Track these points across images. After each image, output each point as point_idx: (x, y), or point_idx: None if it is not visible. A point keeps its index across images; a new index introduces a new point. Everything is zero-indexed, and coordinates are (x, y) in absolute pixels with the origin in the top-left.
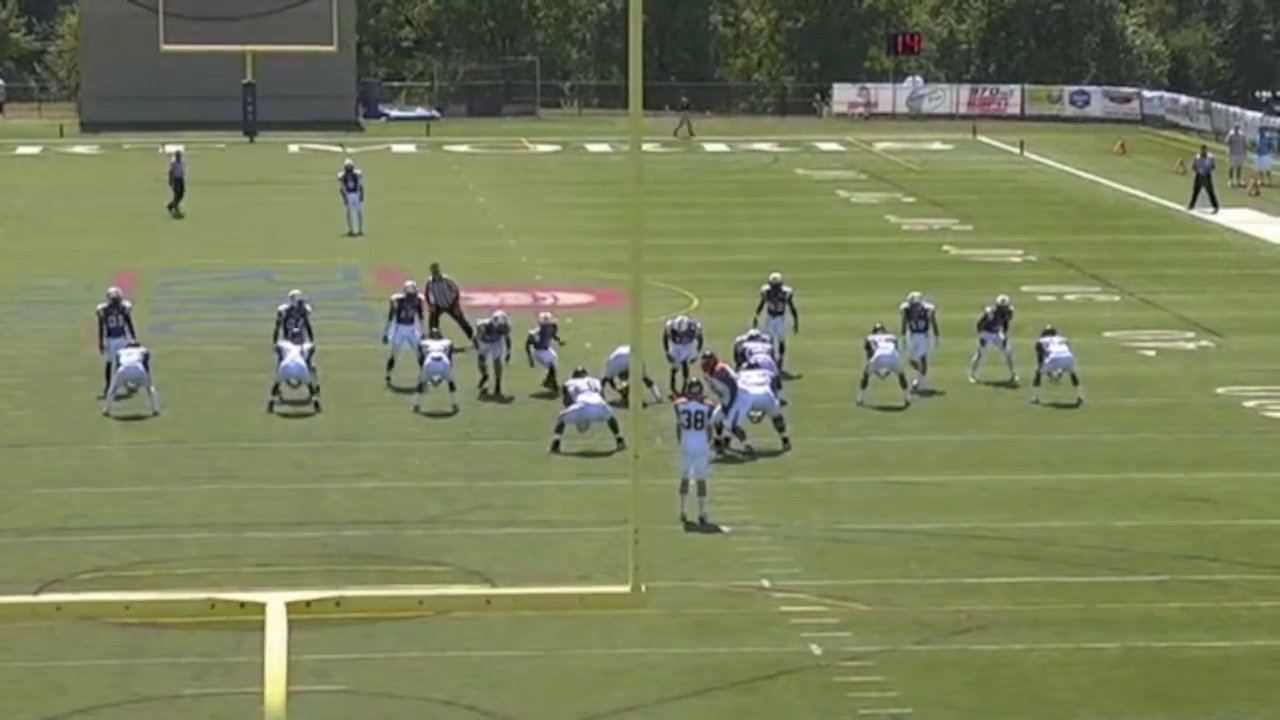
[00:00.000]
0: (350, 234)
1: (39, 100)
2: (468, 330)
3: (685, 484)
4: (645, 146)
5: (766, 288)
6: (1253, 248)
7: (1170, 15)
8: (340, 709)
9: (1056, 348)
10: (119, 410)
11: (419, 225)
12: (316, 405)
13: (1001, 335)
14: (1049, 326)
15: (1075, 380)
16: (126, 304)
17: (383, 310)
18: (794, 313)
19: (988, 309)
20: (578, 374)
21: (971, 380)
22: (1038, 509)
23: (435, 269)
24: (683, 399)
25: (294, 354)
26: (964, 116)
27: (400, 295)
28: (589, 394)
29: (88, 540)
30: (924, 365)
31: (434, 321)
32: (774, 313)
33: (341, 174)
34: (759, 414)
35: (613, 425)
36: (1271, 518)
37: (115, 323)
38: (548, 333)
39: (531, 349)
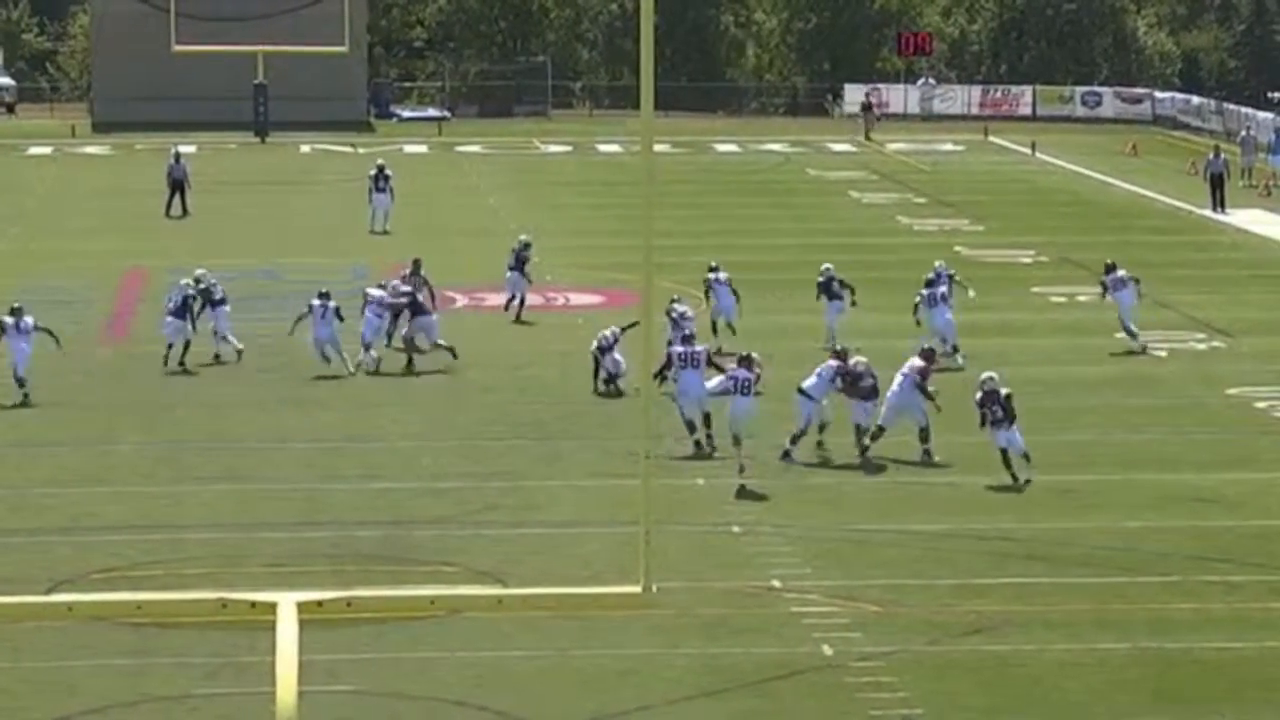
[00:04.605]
0: (373, 232)
1: (51, 100)
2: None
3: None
4: (656, 147)
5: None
6: (1264, 248)
7: (1182, 16)
8: (351, 709)
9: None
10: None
11: (431, 226)
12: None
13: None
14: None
15: (954, 349)
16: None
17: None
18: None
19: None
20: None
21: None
22: (1048, 509)
23: (416, 263)
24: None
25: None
26: (975, 117)
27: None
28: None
29: (98, 540)
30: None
31: (396, 316)
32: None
33: (373, 172)
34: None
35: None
36: None
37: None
38: (610, 347)
39: (600, 355)
